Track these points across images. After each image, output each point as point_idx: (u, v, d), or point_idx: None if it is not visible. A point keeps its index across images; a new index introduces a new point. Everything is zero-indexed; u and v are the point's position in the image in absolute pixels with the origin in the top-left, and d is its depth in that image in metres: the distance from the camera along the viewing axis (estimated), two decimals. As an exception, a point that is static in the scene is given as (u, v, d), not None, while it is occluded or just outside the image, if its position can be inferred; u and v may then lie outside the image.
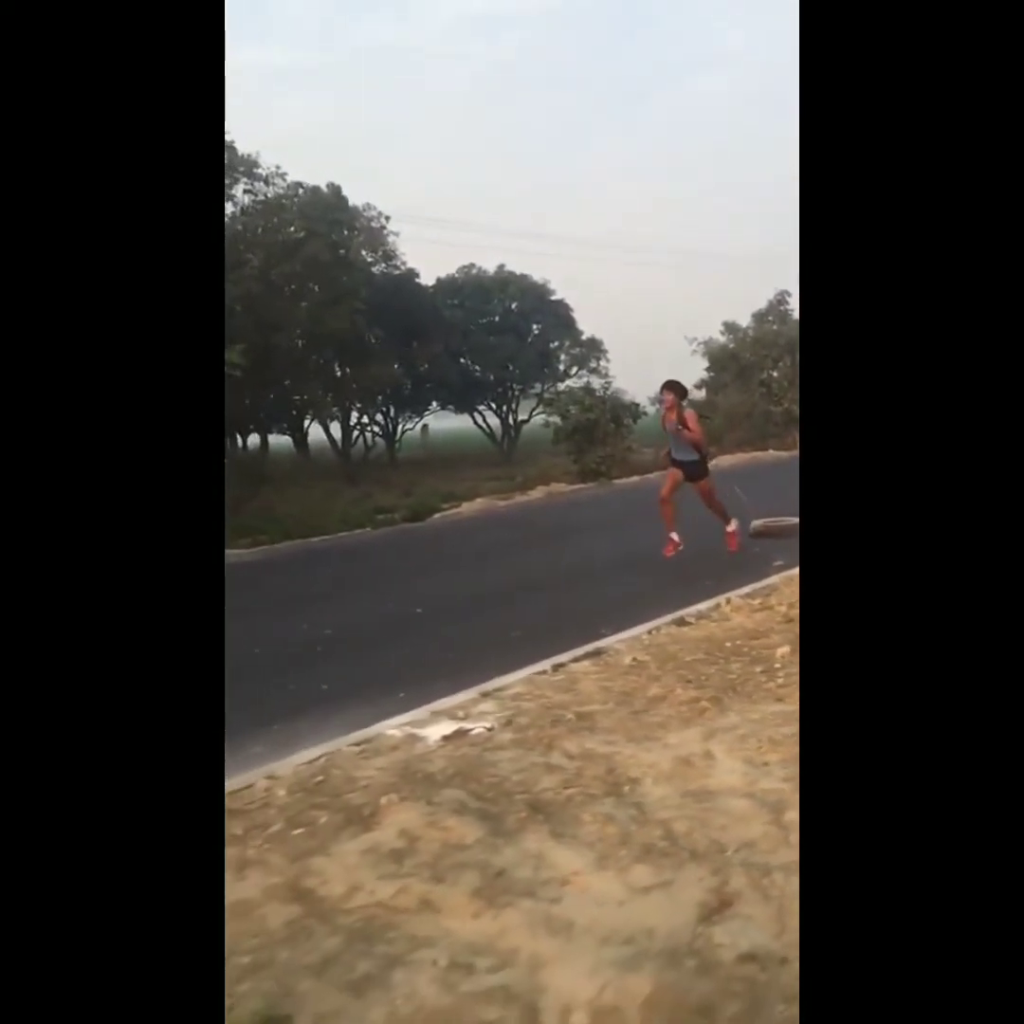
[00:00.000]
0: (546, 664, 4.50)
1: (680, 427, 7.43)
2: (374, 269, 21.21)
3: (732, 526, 7.83)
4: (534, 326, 26.61)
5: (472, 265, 26.96)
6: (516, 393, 27.20)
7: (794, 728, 3.22)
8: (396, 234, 21.17)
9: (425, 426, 27.53)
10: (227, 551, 9.54)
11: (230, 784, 3.18)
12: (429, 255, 30.33)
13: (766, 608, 5.32)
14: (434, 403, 27.17)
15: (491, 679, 4.33)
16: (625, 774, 3.02)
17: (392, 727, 3.69)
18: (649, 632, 5.05)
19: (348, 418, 22.96)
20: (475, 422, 28.24)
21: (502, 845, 2.58)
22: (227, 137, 16.02)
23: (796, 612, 4.95)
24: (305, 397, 20.97)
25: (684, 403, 7.73)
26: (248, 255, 16.55)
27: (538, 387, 26.16)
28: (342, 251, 18.39)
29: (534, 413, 25.03)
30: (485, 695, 4.05)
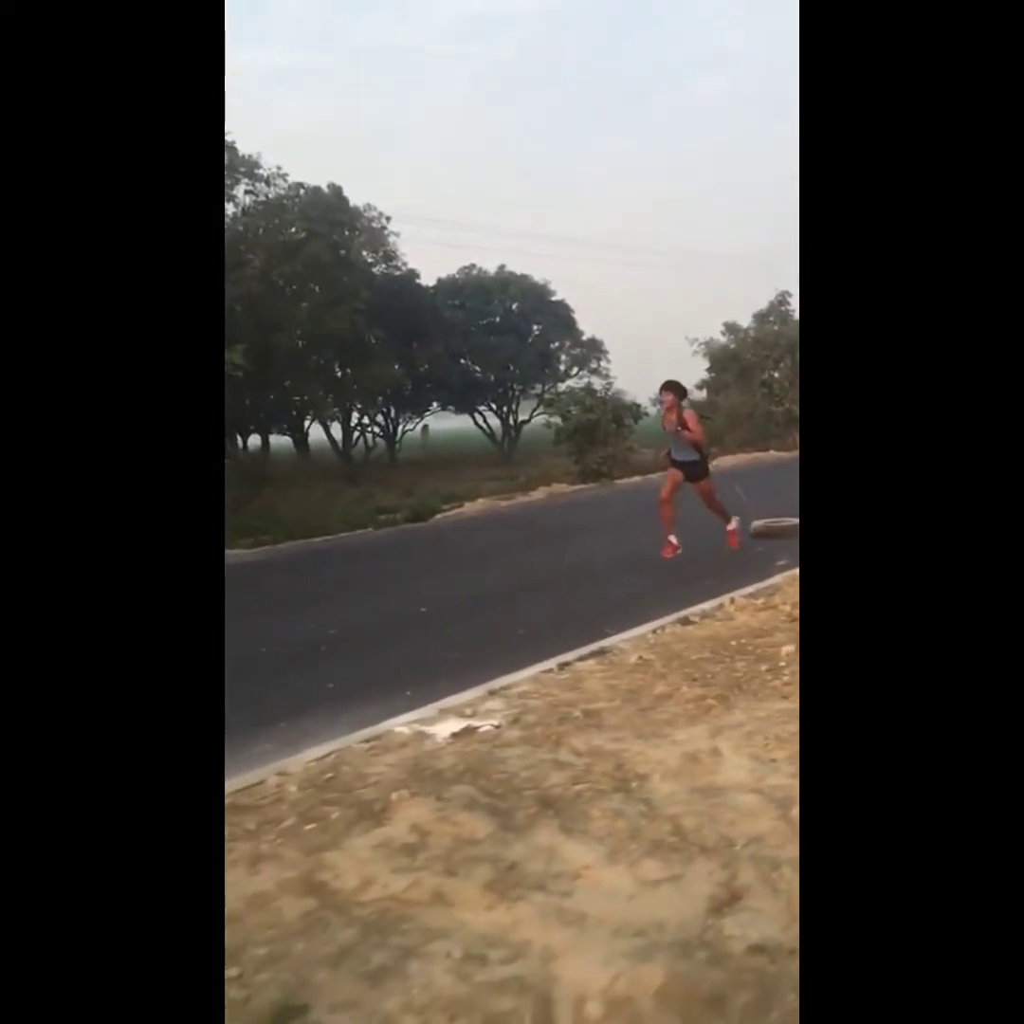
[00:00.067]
0: (552, 663, 4.54)
1: (679, 428, 7.45)
2: (375, 270, 21.27)
3: (733, 525, 7.86)
4: (534, 327, 26.65)
5: (473, 266, 27.05)
6: (516, 393, 27.24)
7: (800, 725, 3.24)
8: (397, 235, 21.26)
9: (425, 427, 27.57)
10: (229, 551, 9.56)
11: (241, 780, 3.21)
12: (429, 256, 30.38)
13: (770, 607, 5.35)
14: (434, 403, 27.22)
15: (497, 678, 4.36)
16: (633, 770, 3.05)
17: (400, 725, 3.72)
18: (654, 631, 5.09)
19: (349, 418, 23.00)
20: (475, 423, 28.28)
21: (513, 840, 2.61)
22: (228, 138, 16.06)
23: (800, 611, 4.98)
24: (305, 397, 21.01)
25: (683, 403, 7.75)
26: (249, 255, 16.58)
27: (539, 388, 26.21)
28: (343, 252, 18.44)
29: (535, 414, 25.08)
30: (492, 693, 4.08)
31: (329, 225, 18.09)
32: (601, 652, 4.68)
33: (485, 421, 28.19)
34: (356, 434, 23.91)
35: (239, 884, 2.45)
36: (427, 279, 24.42)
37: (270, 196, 17.98)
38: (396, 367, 22.29)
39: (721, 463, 16.00)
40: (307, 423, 23.71)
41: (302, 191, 18.56)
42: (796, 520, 7.68)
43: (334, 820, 2.80)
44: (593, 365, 26.51)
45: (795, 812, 2.64)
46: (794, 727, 3.28)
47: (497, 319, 26.07)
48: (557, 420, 16.85)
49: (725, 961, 2.03)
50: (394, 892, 2.38)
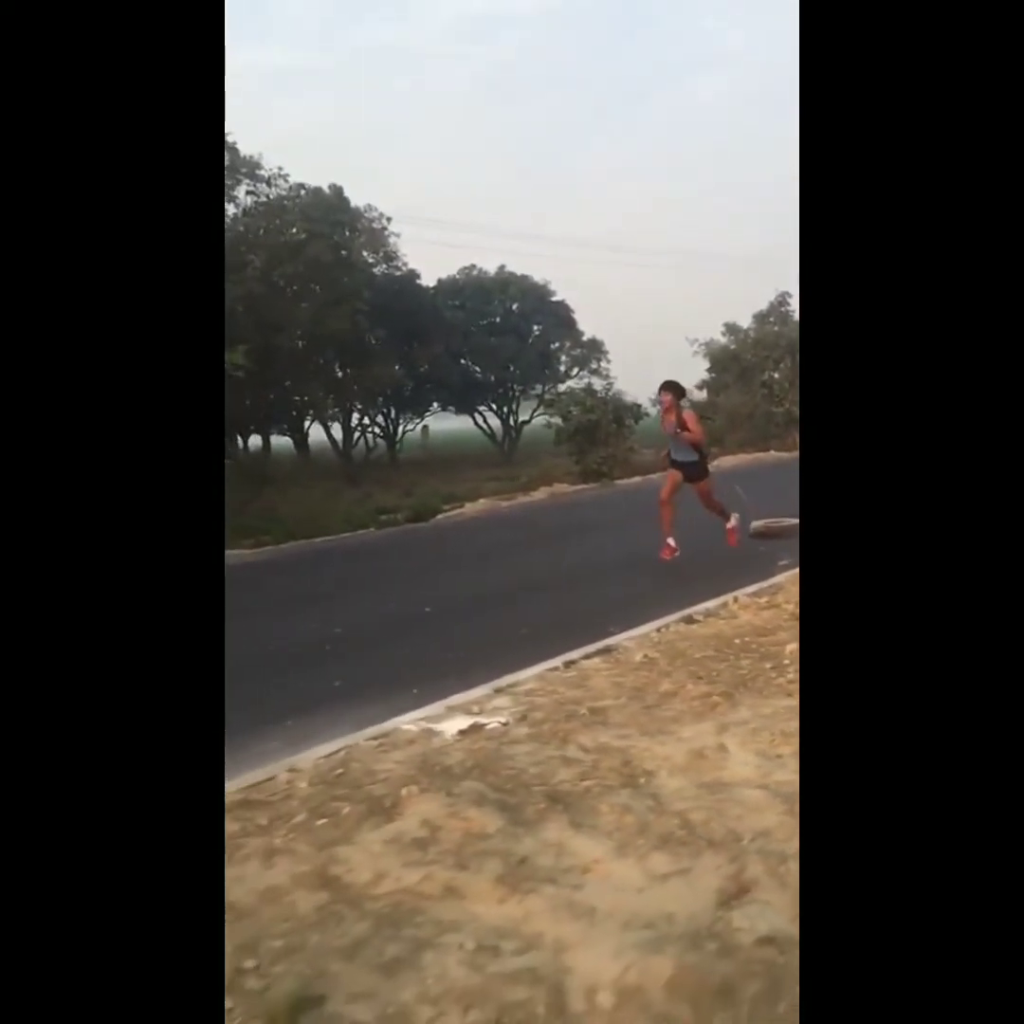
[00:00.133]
0: (557, 661, 4.57)
1: (678, 430, 7.46)
2: (375, 270, 21.31)
3: (732, 522, 7.90)
4: (535, 327, 26.70)
5: (473, 266, 27.10)
6: (517, 394, 27.29)
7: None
8: (397, 235, 21.31)
9: (425, 427, 27.59)
10: (231, 552, 9.57)
11: (251, 777, 3.24)
12: (430, 256, 30.45)
13: (773, 606, 5.39)
14: (435, 404, 27.26)
15: (503, 676, 4.38)
16: (640, 766, 3.08)
17: (408, 722, 3.75)
18: (658, 630, 5.12)
19: (349, 419, 23.03)
20: (476, 423, 28.31)
21: (523, 834, 2.64)
22: (229, 138, 16.09)
23: (803, 610, 5.00)
24: (306, 398, 21.05)
25: (682, 403, 7.77)
26: (251, 256, 16.62)
27: (539, 388, 26.26)
28: (344, 252, 18.48)
29: (535, 414, 25.11)
30: (498, 691, 4.11)
31: (330, 226, 18.13)
32: (606, 650, 4.71)
33: (485, 421, 28.23)
34: (356, 434, 23.94)
35: (253, 878, 2.49)
36: (427, 279, 24.52)
37: (271, 197, 18.03)
38: (396, 367, 22.33)
39: (721, 463, 16.04)
40: (307, 423, 23.77)
41: (303, 192, 18.60)
42: (796, 520, 7.70)
43: (345, 815, 2.83)
44: (593, 365, 26.58)
45: (801, 807, 2.67)
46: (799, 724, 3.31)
47: (497, 319, 26.12)
48: (558, 420, 16.88)
49: (734, 952, 2.06)
50: (406, 885, 2.41)
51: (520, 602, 6.60)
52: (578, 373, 26.55)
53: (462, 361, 25.57)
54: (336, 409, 22.18)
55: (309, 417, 23.16)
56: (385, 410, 25.48)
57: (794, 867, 2.37)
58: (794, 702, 3.60)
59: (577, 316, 27.13)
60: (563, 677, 4.30)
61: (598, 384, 19.60)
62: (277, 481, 18.39)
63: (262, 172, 17.70)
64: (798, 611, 5.08)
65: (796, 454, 15.69)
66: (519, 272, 26.60)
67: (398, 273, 22.42)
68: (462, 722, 3.65)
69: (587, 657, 4.61)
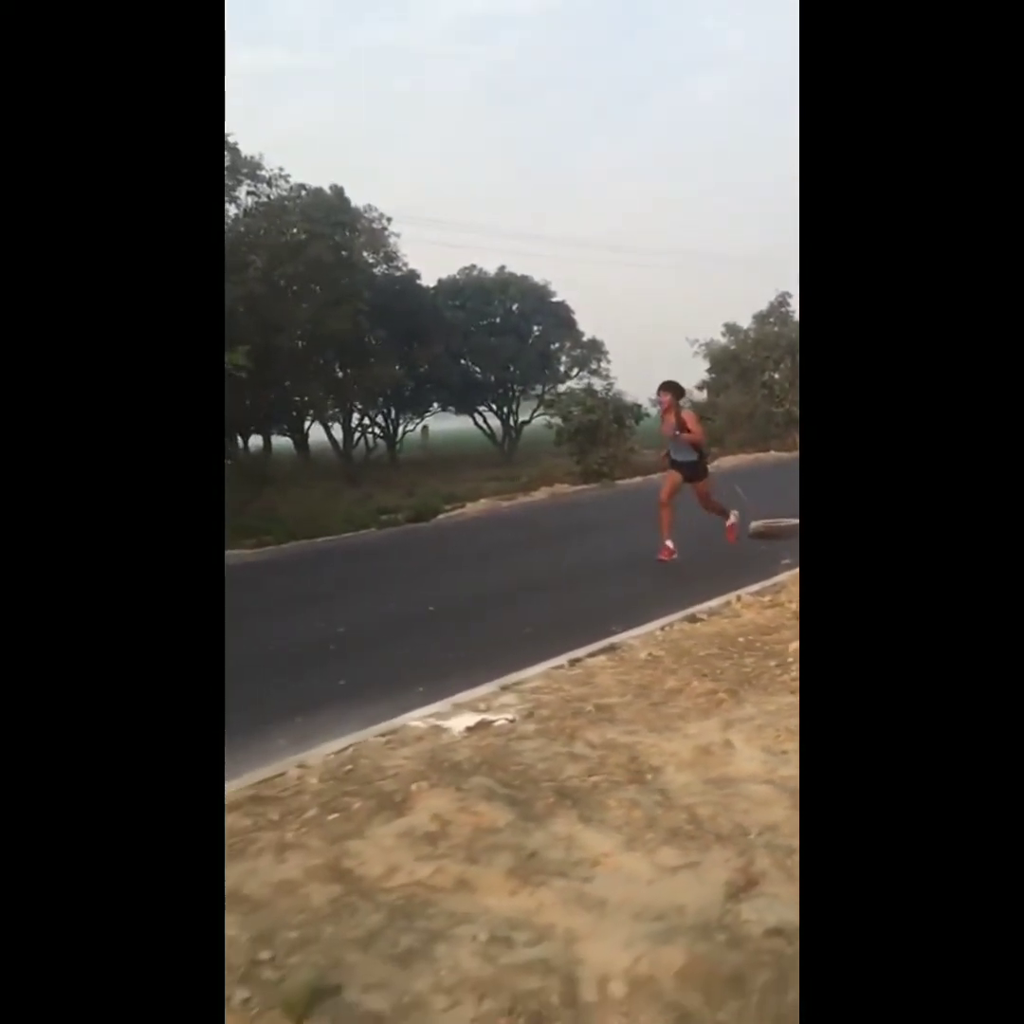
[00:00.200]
0: (562, 659, 4.59)
1: (678, 433, 7.47)
2: (375, 270, 21.36)
3: (732, 519, 7.95)
4: (535, 327, 26.76)
5: (473, 266, 27.16)
6: (517, 394, 27.33)
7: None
8: (397, 235, 21.37)
9: (425, 427, 27.62)
10: (232, 552, 9.59)
11: (261, 773, 3.27)
12: (430, 256, 30.51)
13: (776, 605, 5.42)
14: (435, 404, 27.29)
15: (508, 674, 4.41)
16: (647, 762, 3.11)
17: (416, 719, 3.78)
18: (662, 628, 5.15)
19: (349, 419, 23.06)
20: (476, 423, 28.35)
21: (532, 828, 2.67)
22: (230, 139, 16.12)
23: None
24: (306, 398, 21.09)
25: (682, 403, 7.79)
26: (252, 256, 16.66)
27: (539, 388, 26.30)
28: (344, 253, 18.52)
29: (535, 414, 25.15)
30: (505, 688, 4.14)
31: (331, 226, 18.18)
32: (611, 648, 4.74)
33: (485, 422, 28.27)
34: (357, 434, 23.97)
35: (266, 871, 2.52)
36: (428, 280, 24.57)
37: (272, 197, 18.08)
38: (397, 367, 22.36)
39: (721, 463, 16.08)
40: (307, 424, 23.79)
41: (304, 192, 18.64)
42: (795, 520, 7.73)
43: (356, 810, 2.86)
44: (593, 366, 26.64)
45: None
46: (804, 720, 3.34)
47: (497, 320, 26.17)
48: (558, 421, 16.91)
49: (744, 943, 2.09)
50: (419, 878, 2.44)
51: (523, 602, 6.63)
52: (578, 373, 26.61)
53: (462, 361, 25.62)
54: (336, 409, 22.22)
55: (309, 417, 23.19)
56: (385, 410, 25.52)
57: (801, 860, 2.40)
58: (798, 699, 3.63)
59: (577, 316, 27.25)
60: (568, 675, 4.33)
61: (598, 384, 19.65)
62: (277, 481, 18.41)
63: (263, 173, 17.77)
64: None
65: (796, 454, 15.72)
66: (519, 272, 26.72)
67: (398, 273, 22.47)
68: (469, 719, 3.68)
69: (592, 655, 4.64)
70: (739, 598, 5.74)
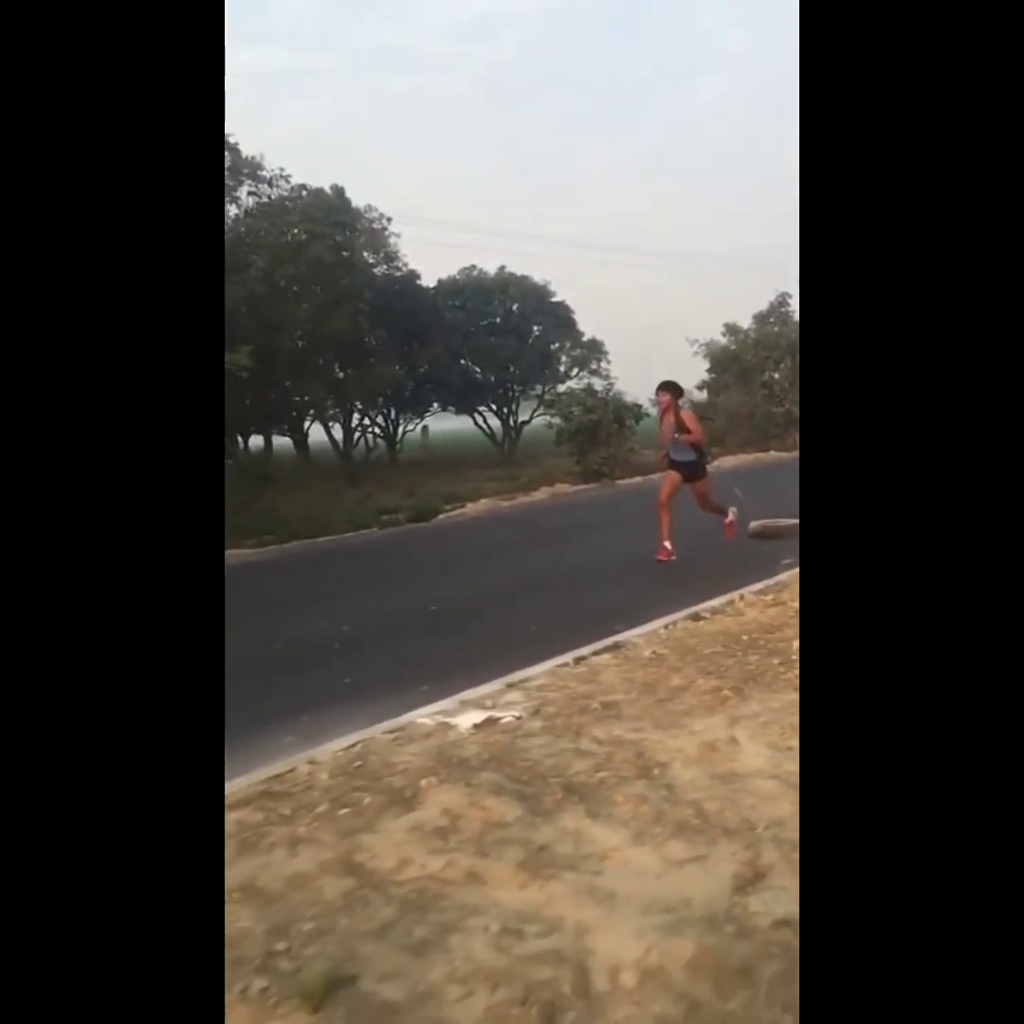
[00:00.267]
0: (567, 657, 4.62)
1: (677, 436, 7.50)
2: (376, 271, 21.38)
3: (730, 516, 7.99)
4: (535, 327, 26.79)
5: (473, 266, 27.19)
6: (517, 394, 27.36)
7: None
8: (397, 236, 21.37)
9: (425, 427, 27.64)
10: (234, 552, 9.62)
11: (271, 769, 3.31)
12: (430, 256, 30.53)
13: (779, 603, 5.46)
14: (435, 404, 27.31)
15: (513, 672, 4.44)
16: (654, 758, 3.14)
17: (423, 716, 3.81)
18: (666, 627, 5.18)
19: (349, 419, 23.07)
20: (475, 423, 28.38)
21: (541, 823, 2.71)
22: (231, 139, 16.16)
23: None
24: (306, 398, 21.11)
25: (681, 403, 7.82)
26: (253, 257, 16.69)
27: (539, 388, 26.32)
28: (345, 253, 18.53)
29: (535, 414, 25.18)
30: (510, 686, 4.17)
31: (331, 226, 18.20)
32: (615, 647, 4.77)
33: (485, 422, 28.30)
34: (357, 435, 23.99)
35: (279, 865, 2.55)
36: (428, 280, 24.59)
37: (273, 198, 18.10)
38: (397, 368, 22.38)
39: (722, 463, 16.13)
40: (307, 424, 23.82)
41: (305, 192, 18.65)
42: (794, 520, 7.76)
43: (366, 805, 2.89)
44: (593, 366, 26.67)
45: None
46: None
47: (497, 320, 26.20)
48: (559, 421, 16.94)
49: (752, 935, 2.13)
50: (430, 872, 2.47)
51: (525, 601, 6.66)
52: (578, 373, 26.64)
53: (462, 361, 25.65)
54: (336, 409, 22.23)
55: (309, 417, 23.21)
56: (385, 410, 25.54)
57: (808, 854, 2.43)
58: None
59: (577, 316, 27.28)
60: (574, 673, 4.36)
61: (598, 384, 19.67)
62: (279, 481, 18.44)
63: (264, 173, 17.79)
64: (802, 609, 5.14)
65: (796, 454, 15.77)
66: (519, 272, 26.74)
67: (398, 273, 22.50)
68: (476, 716, 3.71)
69: (596, 653, 4.67)
70: (742, 597, 5.78)
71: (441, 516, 12.74)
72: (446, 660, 5.02)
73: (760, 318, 23.80)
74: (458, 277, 26.77)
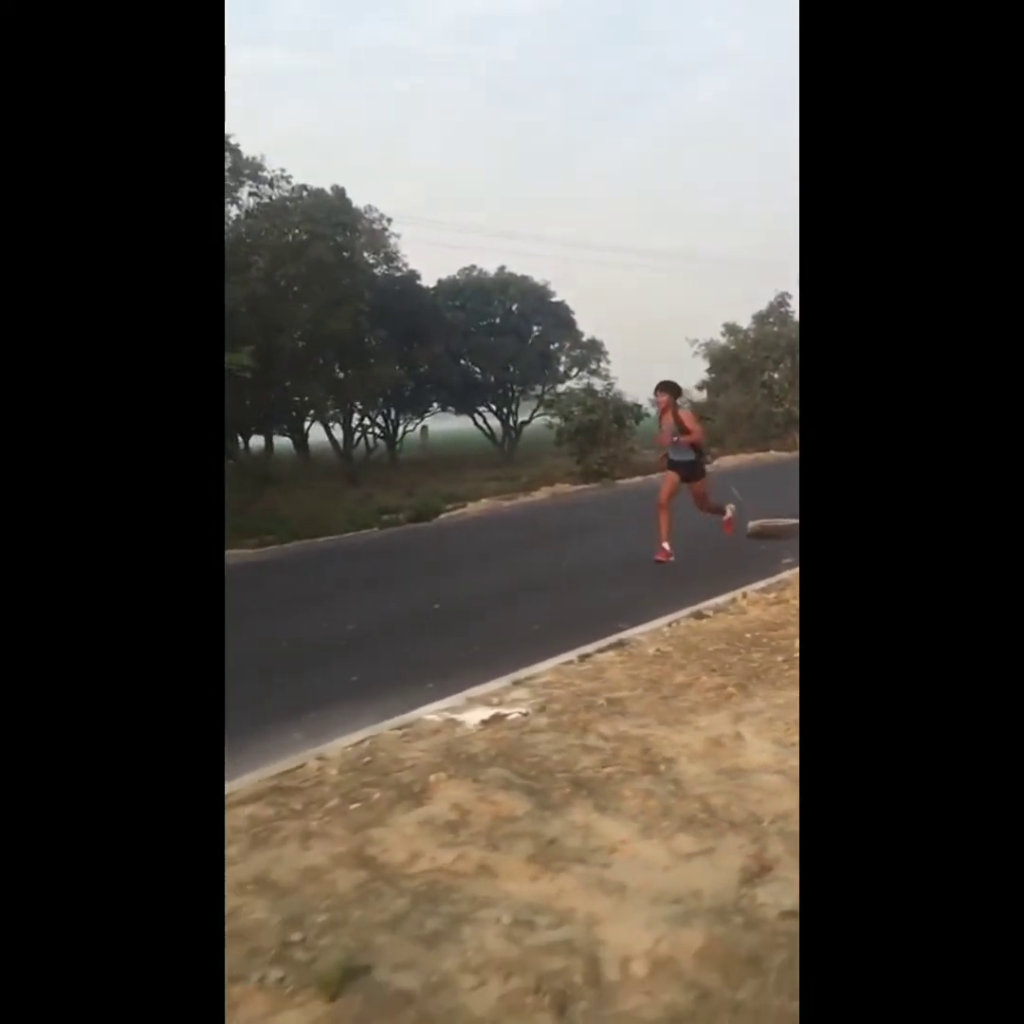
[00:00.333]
0: (572, 655, 4.65)
1: (677, 439, 7.53)
2: (376, 271, 21.37)
3: (728, 513, 8.03)
4: (535, 327, 26.78)
5: (473, 267, 27.17)
6: (516, 394, 27.36)
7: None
8: (397, 236, 21.35)
9: (425, 427, 27.64)
10: (236, 552, 9.63)
11: (281, 765, 3.34)
12: (430, 257, 30.55)
13: (781, 602, 5.49)
14: (434, 404, 27.31)
15: (518, 670, 4.47)
16: (660, 754, 3.18)
17: (430, 713, 3.84)
18: (669, 625, 5.21)
19: (349, 419, 23.07)
20: (475, 423, 28.40)
21: (550, 817, 2.74)
22: (232, 140, 16.18)
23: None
24: (306, 398, 21.11)
25: (679, 402, 7.84)
26: (254, 257, 16.71)
27: (539, 388, 26.32)
28: (345, 253, 18.54)
29: (535, 414, 25.20)
30: (516, 683, 4.21)
31: (332, 227, 18.19)
32: (620, 644, 4.81)
33: (485, 422, 28.31)
34: (357, 435, 24.00)
35: (292, 859, 2.58)
36: (428, 280, 24.58)
37: (274, 198, 18.10)
38: (397, 368, 22.39)
39: (722, 463, 16.16)
40: (307, 424, 23.83)
41: (305, 193, 18.66)
42: (792, 520, 7.79)
43: (376, 800, 2.92)
44: (593, 366, 26.67)
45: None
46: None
47: (497, 320, 26.20)
48: (559, 420, 16.97)
49: (760, 925, 2.16)
50: (441, 865, 2.50)
51: (528, 600, 6.68)
52: (578, 373, 26.63)
53: (462, 361, 25.64)
54: (336, 409, 22.24)
55: (309, 417, 23.22)
56: (385, 410, 25.54)
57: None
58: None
59: (577, 316, 27.26)
60: (579, 670, 4.39)
61: (598, 384, 19.69)
62: (279, 481, 18.45)
63: (265, 173, 17.79)
64: (804, 608, 5.17)
65: (796, 454, 15.81)
66: (519, 272, 26.73)
67: (399, 274, 22.49)
68: (483, 713, 3.74)
69: (601, 651, 4.70)
70: (744, 595, 5.81)
71: (443, 516, 12.76)
72: (451, 658, 5.04)
73: (760, 318, 23.84)
74: (458, 277, 26.78)
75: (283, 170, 18.04)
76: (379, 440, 25.98)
